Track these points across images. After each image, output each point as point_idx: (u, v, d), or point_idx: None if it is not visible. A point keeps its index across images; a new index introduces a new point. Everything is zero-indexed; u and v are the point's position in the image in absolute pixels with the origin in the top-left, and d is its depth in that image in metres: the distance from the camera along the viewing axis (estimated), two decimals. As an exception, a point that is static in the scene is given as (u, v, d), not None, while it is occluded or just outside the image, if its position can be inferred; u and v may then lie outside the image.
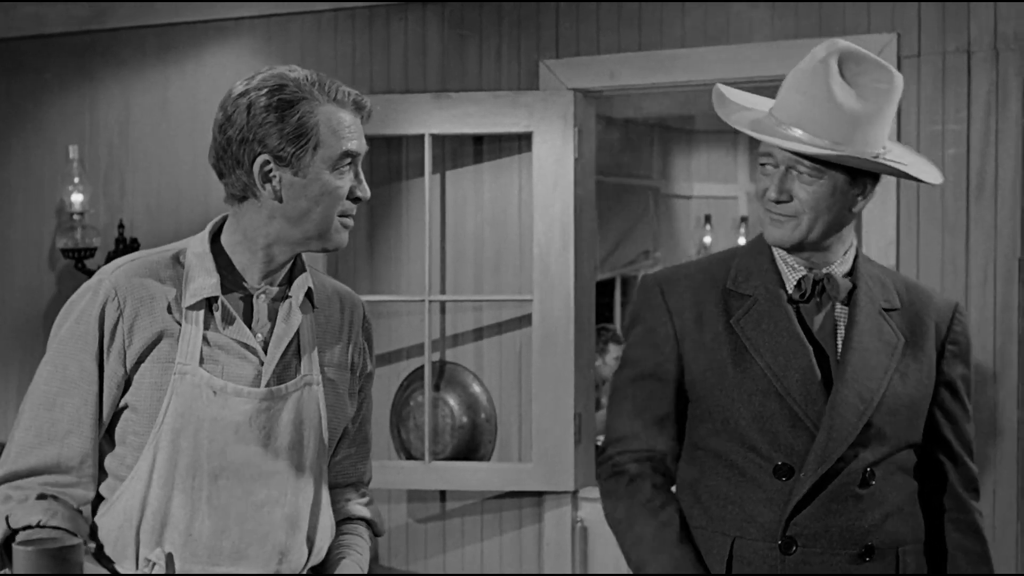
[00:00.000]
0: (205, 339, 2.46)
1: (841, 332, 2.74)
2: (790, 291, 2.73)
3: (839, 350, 2.72)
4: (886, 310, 2.78)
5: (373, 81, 5.23)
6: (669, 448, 2.80)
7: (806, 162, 2.62)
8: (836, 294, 2.73)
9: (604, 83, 4.93)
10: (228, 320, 2.49)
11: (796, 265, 2.74)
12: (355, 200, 2.52)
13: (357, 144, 2.51)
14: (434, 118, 4.98)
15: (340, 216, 2.50)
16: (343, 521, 2.72)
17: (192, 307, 2.46)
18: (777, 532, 2.67)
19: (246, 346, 2.49)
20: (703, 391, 2.73)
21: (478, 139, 5.22)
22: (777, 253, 2.76)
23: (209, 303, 2.48)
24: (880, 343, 2.73)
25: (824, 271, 2.74)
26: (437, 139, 5.09)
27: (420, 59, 5.20)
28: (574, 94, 4.91)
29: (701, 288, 2.78)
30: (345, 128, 2.48)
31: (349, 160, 2.50)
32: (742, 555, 2.68)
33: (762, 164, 2.69)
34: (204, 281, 2.47)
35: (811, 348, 2.70)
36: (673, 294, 2.78)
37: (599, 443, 6.03)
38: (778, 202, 2.65)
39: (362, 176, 2.54)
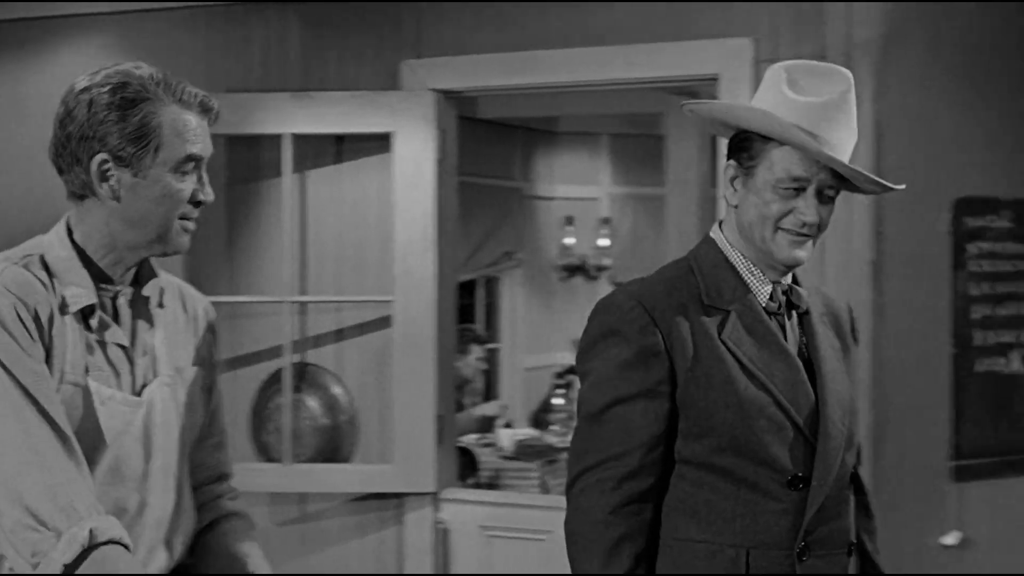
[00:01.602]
0: (88, 346, 2.39)
1: (801, 340, 2.77)
2: (764, 303, 2.74)
3: (807, 359, 2.75)
4: (822, 314, 2.84)
5: (229, 79, 5.16)
6: (659, 471, 2.72)
7: (833, 183, 2.65)
8: (800, 304, 2.77)
9: (465, 84, 4.93)
10: (104, 326, 2.42)
11: (763, 277, 2.75)
12: (196, 204, 2.45)
13: (202, 147, 2.43)
14: (294, 117, 4.94)
15: (181, 219, 2.43)
16: (223, 518, 2.68)
17: (72, 315, 2.37)
18: (794, 541, 2.68)
19: (123, 350, 2.44)
20: (706, 409, 2.67)
21: (339, 139, 5.18)
22: (742, 266, 2.75)
23: (82, 310, 2.40)
24: (832, 350, 2.80)
25: (785, 282, 2.76)
26: (297, 138, 5.04)
27: (279, 58, 5.15)
28: (435, 94, 4.90)
29: (681, 304, 2.70)
30: (190, 131, 2.41)
31: (193, 163, 2.43)
32: (758, 565, 2.67)
33: (786, 188, 2.65)
34: (80, 288, 2.39)
35: (799, 361, 2.72)
36: (658, 310, 2.69)
37: (463, 444, 6.03)
38: (813, 225, 2.66)
39: (206, 179, 2.46)
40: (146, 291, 2.51)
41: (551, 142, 9.04)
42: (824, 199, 2.66)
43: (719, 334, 2.69)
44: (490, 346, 8.41)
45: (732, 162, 2.71)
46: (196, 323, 2.65)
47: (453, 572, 5.10)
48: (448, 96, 4.98)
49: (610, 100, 6.21)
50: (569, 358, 6.92)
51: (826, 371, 2.74)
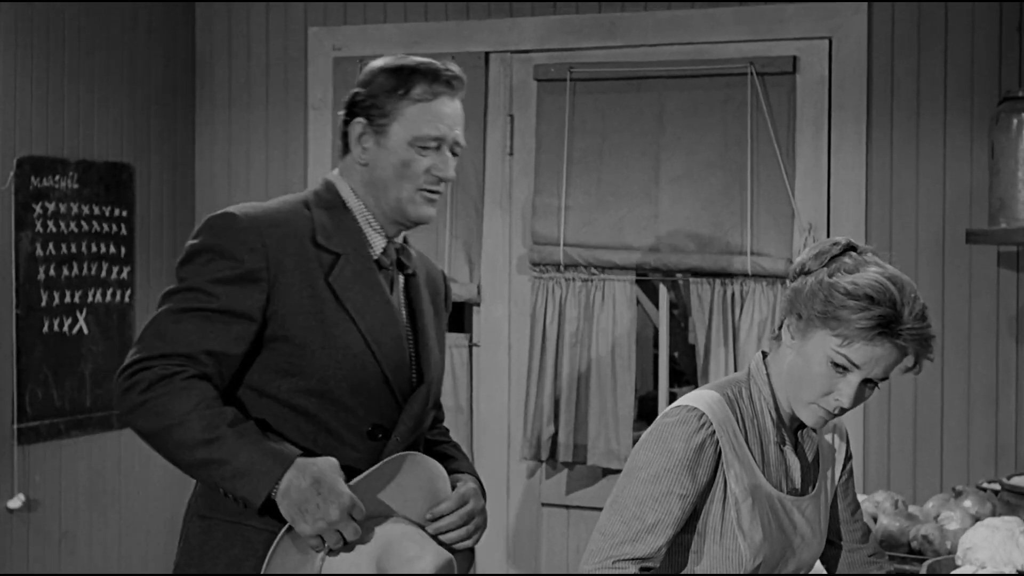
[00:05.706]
0: None
1: (405, 300, 2.83)
2: (376, 256, 2.77)
3: (407, 319, 2.82)
4: (424, 279, 2.90)
5: None
6: (222, 382, 2.64)
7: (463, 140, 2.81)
8: (409, 265, 2.82)
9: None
10: None
11: (380, 231, 2.77)
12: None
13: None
14: None
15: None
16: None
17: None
18: None
19: None
20: (301, 347, 2.66)
21: None
22: (362, 216, 2.76)
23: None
24: (430, 314, 2.87)
25: (397, 242, 2.82)
26: None
27: None
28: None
29: (294, 236, 2.69)
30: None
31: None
32: None
33: (425, 147, 2.72)
34: None
35: (402, 317, 2.76)
36: (273, 237, 2.66)
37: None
38: (443, 180, 2.75)
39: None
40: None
41: None
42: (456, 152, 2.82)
43: (326, 275, 2.68)
44: None
45: (361, 120, 2.74)
46: None
47: None
48: None
49: None
50: None
51: (427, 333, 2.83)
